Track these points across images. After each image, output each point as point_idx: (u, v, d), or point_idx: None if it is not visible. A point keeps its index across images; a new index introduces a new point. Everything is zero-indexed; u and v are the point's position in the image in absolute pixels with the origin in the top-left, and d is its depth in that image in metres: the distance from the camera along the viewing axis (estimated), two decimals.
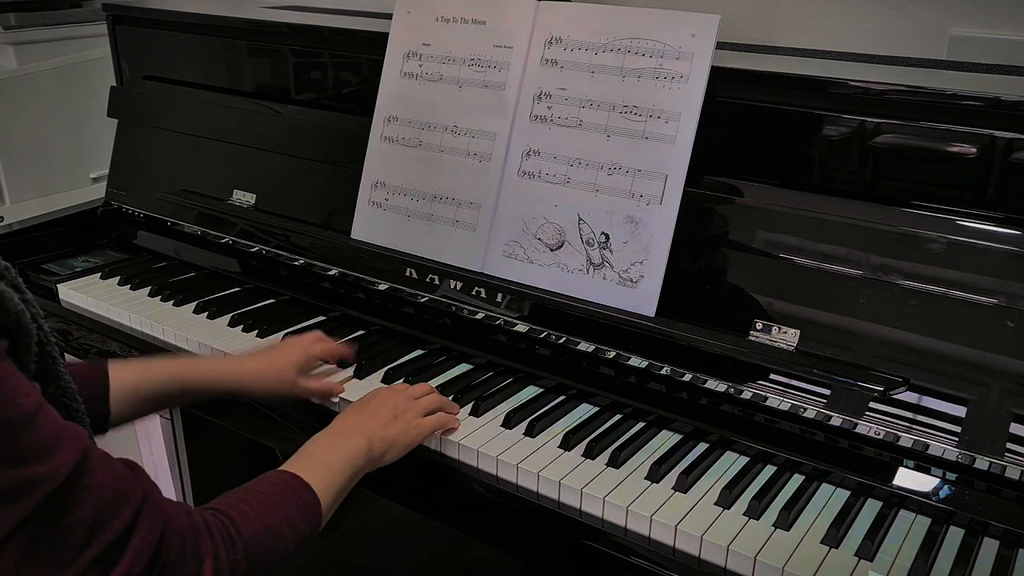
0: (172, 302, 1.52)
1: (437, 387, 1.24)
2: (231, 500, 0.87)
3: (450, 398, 1.21)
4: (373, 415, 1.09)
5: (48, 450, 0.69)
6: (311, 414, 1.23)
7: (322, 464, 0.98)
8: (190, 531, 0.79)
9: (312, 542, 0.93)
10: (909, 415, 1.04)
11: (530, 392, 1.26)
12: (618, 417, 1.19)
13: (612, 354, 1.22)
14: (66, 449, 0.71)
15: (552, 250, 1.27)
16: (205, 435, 2.08)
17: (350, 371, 1.29)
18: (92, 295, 1.55)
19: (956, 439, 1.01)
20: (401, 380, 1.27)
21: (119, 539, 0.73)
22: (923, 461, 1.04)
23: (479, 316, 1.32)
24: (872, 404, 1.06)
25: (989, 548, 0.97)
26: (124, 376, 1.10)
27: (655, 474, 1.07)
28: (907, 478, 1.04)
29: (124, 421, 1.11)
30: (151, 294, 1.55)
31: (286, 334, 1.40)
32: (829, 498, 1.05)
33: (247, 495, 0.89)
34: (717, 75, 1.17)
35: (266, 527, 0.86)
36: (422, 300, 1.37)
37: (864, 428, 1.06)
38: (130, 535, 0.74)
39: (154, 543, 0.75)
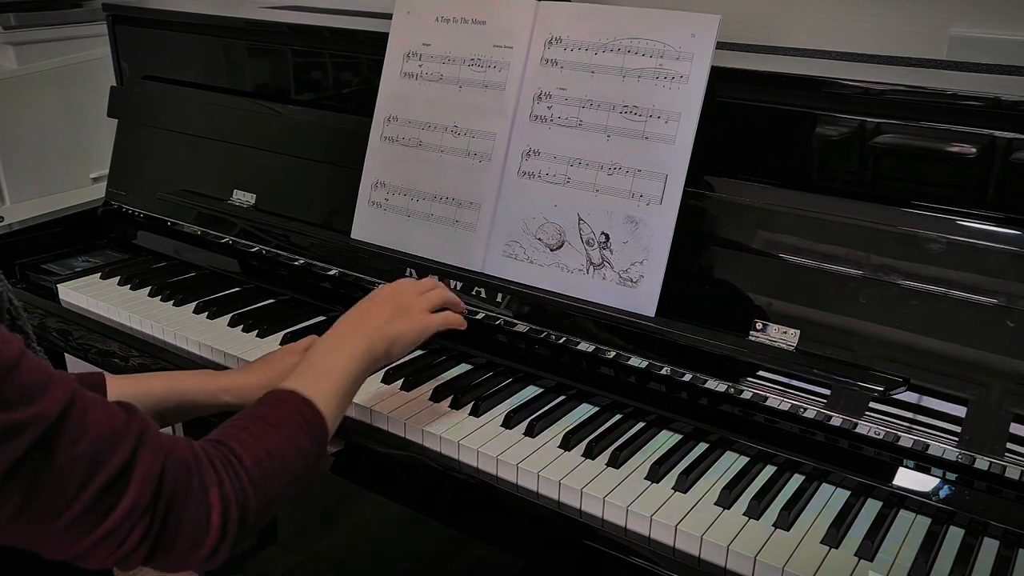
0: (172, 302, 1.52)
1: (437, 387, 1.24)
2: (229, 430, 0.87)
3: (450, 398, 1.21)
4: (375, 313, 1.07)
5: (36, 393, 0.70)
6: None
7: (323, 373, 0.97)
8: (193, 462, 0.79)
9: (321, 459, 0.92)
10: (909, 415, 1.04)
11: (530, 392, 1.26)
12: (618, 417, 1.19)
13: (612, 354, 1.22)
14: (54, 391, 0.71)
15: (552, 250, 1.27)
16: (205, 435, 2.08)
17: None
18: (92, 295, 1.55)
19: (956, 439, 1.01)
20: (401, 380, 1.27)
21: (121, 473, 0.73)
22: (923, 461, 1.04)
23: (479, 316, 1.32)
24: (872, 404, 1.06)
25: (989, 548, 0.97)
26: (121, 389, 1.10)
27: (655, 474, 1.07)
28: (907, 478, 1.04)
29: None
30: (151, 294, 1.55)
31: (286, 334, 1.40)
32: (829, 498, 1.05)
33: (246, 422, 0.88)
34: (717, 75, 1.17)
35: (268, 451, 0.85)
36: None
37: (864, 428, 1.06)
38: (131, 468, 0.74)
39: (157, 474, 0.75)
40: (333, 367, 0.98)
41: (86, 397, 0.75)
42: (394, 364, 1.31)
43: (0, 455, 0.68)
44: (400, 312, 1.08)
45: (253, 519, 0.82)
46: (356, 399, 1.21)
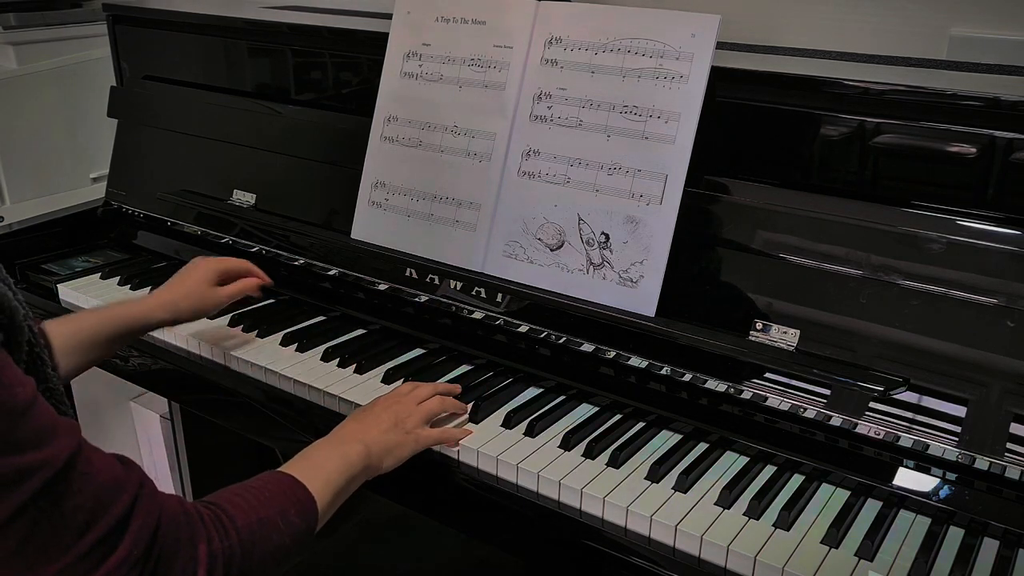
0: None
1: None
2: (224, 494, 0.89)
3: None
4: (374, 422, 1.09)
5: (45, 438, 0.71)
6: (310, 416, 1.23)
7: (318, 467, 0.99)
8: (183, 518, 0.80)
9: (309, 539, 0.94)
10: (909, 415, 1.04)
11: (530, 392, 1.26)
12: (618, 417, 1.19)
13: (612, 354, 1.22)
14: (62, 438, 0.72)
15: (552, 250, 1.27)
16: (205, 435, 2.08)
17: (351, 370, 1.29)
18: (92, 295, 1.55)
19: (956, 439, 1.01)
20: (401, 380, 1.27)
21: (118, 524, 0.74)
22: (923, 461, 1.04)
23: (479, 316, 1.32)
24: (872, 404, 1.06)
25: (989, 548, 0.97)
26: (60, 330, 1.13)
27: (655, 474, 1.07)
28: (907, 478, 1.04)
29: (69, 375, 1.15)
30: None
31: (286, 334, 1.40)
32: (829, 498, 1.05)
33: (240, 490, 0.90)
34: (717, 75, 1.17)
35: (259, 518, 0.87)
36: (422, 300, 1.37)
37: (864, 428, 1.06)
38: (128, 520, 0.75)
39: (152, 528, 0.76)
40: (329, 466, 1.00)
41: (90, 446, 0.75)
42: (395, 365, 1.31)
43: (7, 499, 0.68)
44: (398, 423, 1.10)
45: None
46: (359, 399, 1.21)
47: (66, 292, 1.58)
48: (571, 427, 1.16)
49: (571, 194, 1.25)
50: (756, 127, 1.19)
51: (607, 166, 1.22)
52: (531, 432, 1.15)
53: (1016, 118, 1.02)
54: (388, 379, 1.28)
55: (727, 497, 1.03)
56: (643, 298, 1.20)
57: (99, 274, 1.63)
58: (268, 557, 0.87)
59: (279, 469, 0.97)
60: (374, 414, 1.11)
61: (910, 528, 1.00)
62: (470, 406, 1.20)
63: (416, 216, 1.39)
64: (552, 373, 1.28)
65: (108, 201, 1.81)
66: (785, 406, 1.10)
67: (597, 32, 1.24)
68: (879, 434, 1.05)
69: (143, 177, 1.77)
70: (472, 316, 1.33)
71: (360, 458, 1.03)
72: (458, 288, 1.34)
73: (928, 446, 1.03)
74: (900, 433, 1.04)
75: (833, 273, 1.10)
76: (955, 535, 0.99)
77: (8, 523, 0.69)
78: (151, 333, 1.45)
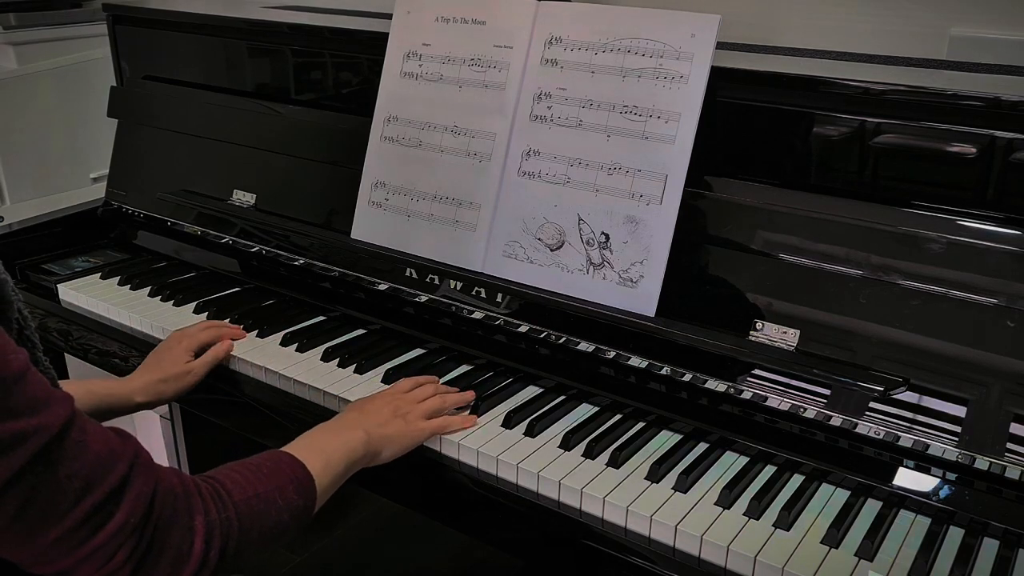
0: (172, 302, 1.52)
1: None
2: (223, 470, 0.90)
3: None
4: (374, 413, 1.11)
5: (39, 406, 0.72)
6: (312, 414, 1.23)
7: (318, 449, 1.00)
8: (181, 489, 0.82)
9: (308, 518, 0.95)
10: (909, 415, 1.04)
11: (530, 392, 1.26)
12: (618, 417, 1.19)
13: (612, 354, 1.22)
14: (57, 407, 0.74)
15: (552, 250, 1.27)
16: (205, 435, 2.08)
17: (351, 370, 1.29)
18: (92, 295, 1.55)
19: (956, 439, 1.01)
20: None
21: (114, 491, 0.76)
22: (923, 461, 1.04)
23: (479, 316, 1.32)
24: (872, 404, 1.06)
25: (989, 548, 0.97)
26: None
27: (655, 474, 1.07)
28: (907, 478, 1.04)
29: None
30: (151, 294, 1.55)
31: (286, 334, 1.40)
32: (829, 498, 1.05)
33: (239, 466, 0.92)
34: (717, 75, 1.17)
35: (257, 493, 0.88)
36: (422, 300, 1.37)
37: (864, 428, 1.06)
38: (125, 488, 0.77)
39: (148, 497, 0.78)
40: (329, 449, 1.02)
41: (84, 417, 0.77)
42: (395, 365, 1.31)
43: (4, 463, 0.69)
44: (398, 415, 1.11)
45: (234, 552, 0.84)
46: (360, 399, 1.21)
47: (66, 292, 1.58)
48: (571, 427, 1.16)
49: (571, 194, 1.25)
50: (756, 127, 1.19)
51: (607, 166, 1.22)
52: (531, 432, 1.15)
53: (1016, 118, 1.02)
54: (388, 379, 1.27)
55: (727, 497, 1.03)
56: (643, 298, 1.20)
57: (99, 274, 1.63)
58: (266, 532, 0.88)
59: (280, 449, 0.98)
60: (375, 405, 1.12)
61: (910, 528, 1.00)
62: (470, 406, 1.20)
63: (416, 216, 1.39)
64: (552, 373, 1.28)
65: (108, 201, 1.81)
66: (785, 406, 1.10)
67: (597, 32, 1.24)
68: (879, 434, 1.05)
69: (143, 177, 1.77)
70: (472, 316, 1.33)
71: (360, 444, 1.04)
72: (458, 288, 1.34)
73: (928, 446, 1.03)
74: (900, 433, 1.04)
75: (833, 273, 1.10)
76: (955, 535, 0.99)
77: (6, 488, 0.70)
78: (148, 332, 1.46)
